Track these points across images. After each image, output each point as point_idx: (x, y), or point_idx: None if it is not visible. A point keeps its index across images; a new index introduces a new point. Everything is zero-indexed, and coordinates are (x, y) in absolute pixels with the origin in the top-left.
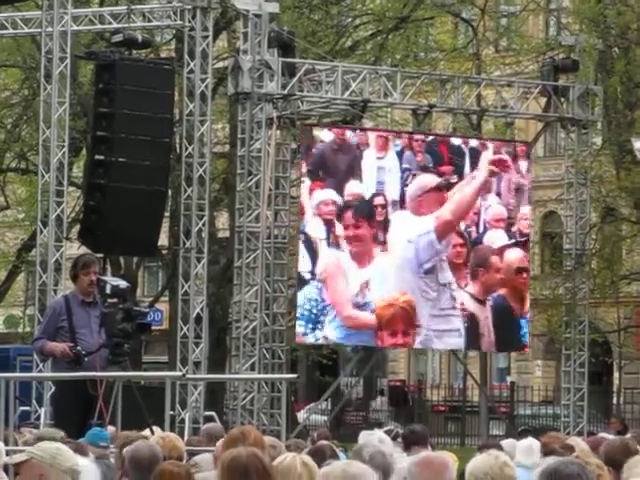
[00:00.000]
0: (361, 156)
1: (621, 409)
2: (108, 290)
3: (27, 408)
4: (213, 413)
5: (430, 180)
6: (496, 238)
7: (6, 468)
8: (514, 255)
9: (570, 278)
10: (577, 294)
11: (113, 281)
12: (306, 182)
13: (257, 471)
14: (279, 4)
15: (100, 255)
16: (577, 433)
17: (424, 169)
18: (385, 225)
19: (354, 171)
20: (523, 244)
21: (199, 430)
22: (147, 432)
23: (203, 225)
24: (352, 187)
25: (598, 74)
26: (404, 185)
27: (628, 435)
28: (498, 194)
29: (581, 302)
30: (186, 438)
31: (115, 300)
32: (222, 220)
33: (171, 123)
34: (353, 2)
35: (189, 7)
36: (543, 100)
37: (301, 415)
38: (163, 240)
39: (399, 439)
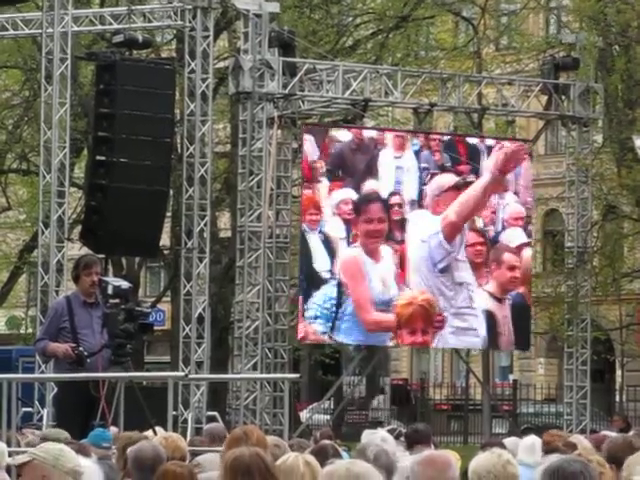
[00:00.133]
0: (379, 155)
1: (624, 407)
2: (110, 291)
3: (29, 409)
4: (216, 413)
5: (448, 179)
6: (514, 237)
7: (9, 469)
8: (532, 253)
9: (572, 276)
10: (579, 292)
11: (115, 282)
12: (324, 182)
13: (260, 471)
14: (279, 4)
15: (102, 256)
16: (580, 431)
17: (442, 168)
18: (402, 224)
19: (372, 170)
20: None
21: (202, 430)
22: (150, 433)
23: (205, 225)
24: (370, 186)
25: (598, 72)
26: (422, 184)
27: (631, 433)
28: (516, 192)
29: (583, 300)
30: (189, 438)
31: (117, 300)
32: (224, 220)
33: (172, 123)
34: (354, 1)
35: (189, 7)
36: (544, 98)
37: (304, 415)
38: (165, 240)
39: (402, 438)
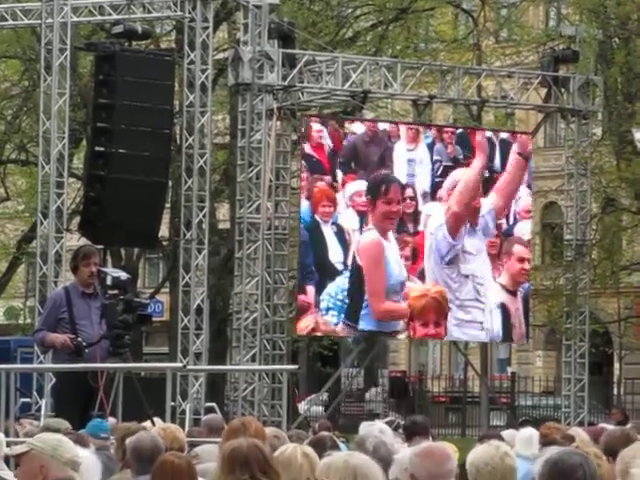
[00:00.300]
0: (392, 148)
1: (622, 399)
2: (109, 281)
3: (28, 400)
4: (214, 404)
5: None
6: (526, 229)
7: (7, 459)
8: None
9: (570, 269)
10: (577, 285)
11: (114, 272)
12: (338, 174)
13: (258, 462)
14: None
15: (100, 246)
16: (578, 424)
17: (455, 161)
18: (415, 216)
19: (385, 163)
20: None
21: (200, 421)
22: (148, 423)
23: (204, 216)
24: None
25: (598, 65)
26: (435, 177)
27: (629, 425)
28: (529, 185)
29: (581, 293)
30: (187, 429)
31: (116, 291)
32: (223, 211)
33: (171, 114)
34: None
35: None
36: (543, 91)
37: (302, 406)
38: (164, 231)
39: (400, 430)
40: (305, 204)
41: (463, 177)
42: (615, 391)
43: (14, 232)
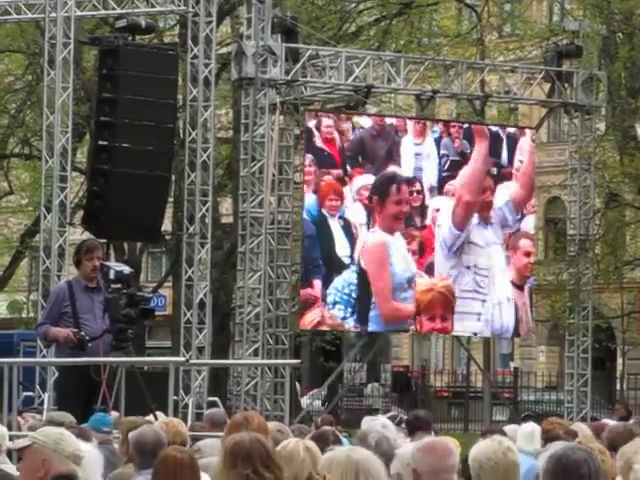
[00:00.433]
0: (400, 142)
1: (624, 395)
2: (112, 275)
3: (30, 393)
4: (216, 399)
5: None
6: (530, 224)
7: (9, 453)
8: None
9: (574, 264)
10: (581, 280)
11: (117, 266)
12: (347, 168)
13: (260, 456)
14: None
15: (103, 240)
16: (580, 419)
17: (462, 155)
18: (422, 210)
19: (392, 157)
20: None
21: (202, 416)
22: (150, 417)
23: (207, 211)
24: (391, 170)
25: (602, 60)
26: (442, 171)
27: (631, 421)
28: None
29: (585, 288)
30: (189, 423)
31: (119, 285)
32: (226, 205)
33: (174, 108)
34: None
35: None
36: (547, 86)
37: (304, 401)
38: (167, 225)
39: (402, 425)
40: (312, 198)
41: (469, 167)
42: (618, 386)
43: (17, 226)
